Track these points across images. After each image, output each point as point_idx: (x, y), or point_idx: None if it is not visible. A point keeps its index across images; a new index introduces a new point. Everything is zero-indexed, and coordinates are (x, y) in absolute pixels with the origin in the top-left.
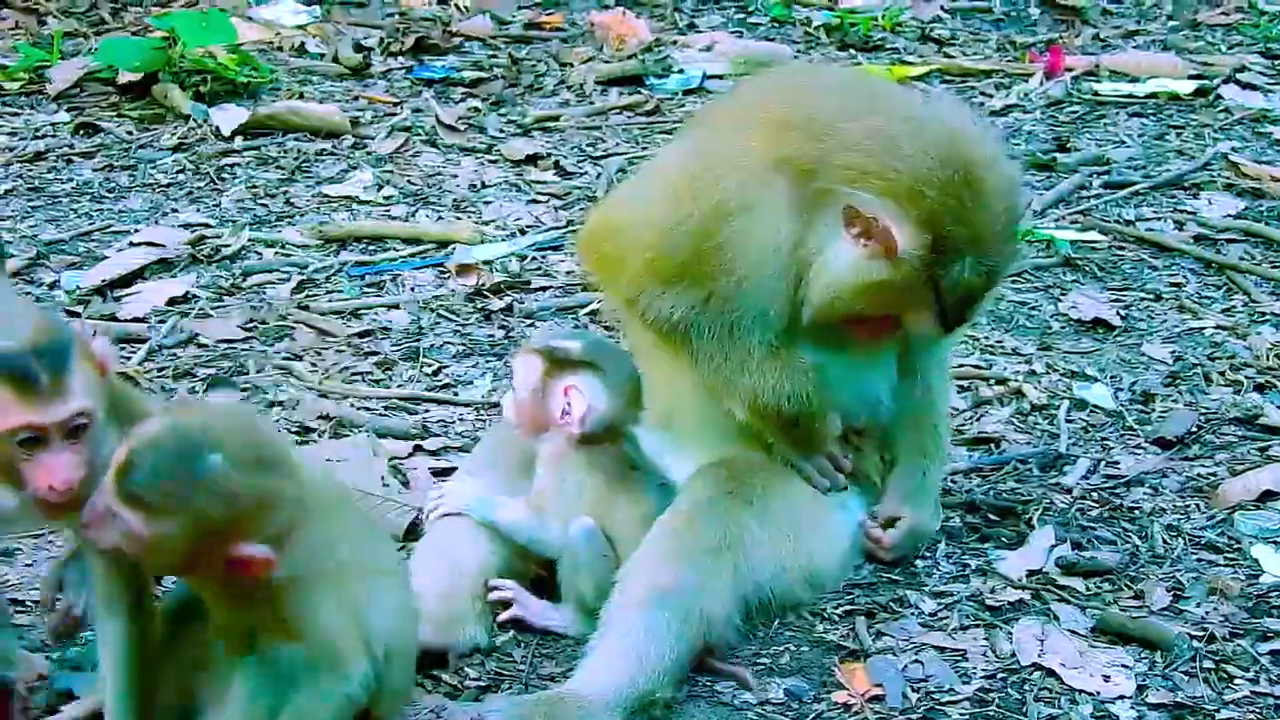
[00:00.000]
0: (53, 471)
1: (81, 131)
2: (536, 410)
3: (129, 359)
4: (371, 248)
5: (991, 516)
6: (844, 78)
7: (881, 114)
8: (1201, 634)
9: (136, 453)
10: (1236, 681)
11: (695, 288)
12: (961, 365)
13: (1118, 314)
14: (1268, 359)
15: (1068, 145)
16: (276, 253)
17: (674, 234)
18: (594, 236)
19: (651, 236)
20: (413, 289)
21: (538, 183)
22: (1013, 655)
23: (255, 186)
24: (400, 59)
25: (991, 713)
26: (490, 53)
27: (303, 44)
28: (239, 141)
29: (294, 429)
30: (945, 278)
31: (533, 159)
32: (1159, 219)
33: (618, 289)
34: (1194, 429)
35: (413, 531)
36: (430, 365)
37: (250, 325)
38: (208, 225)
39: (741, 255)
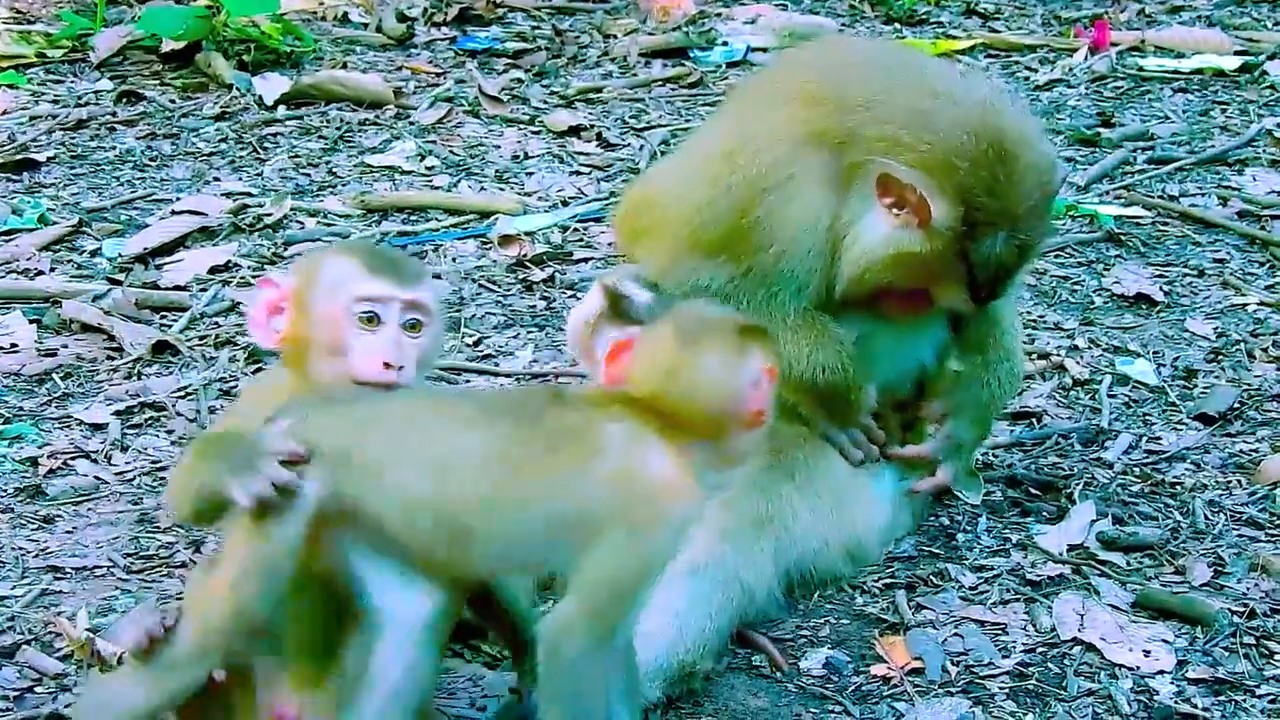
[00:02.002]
0: (385, 350)
1: (124, 100)
2: (586, 342)
3: (170, 327)
4: (414, 218)
5: (1033, 491)
6: (880, 51)
7: (915, 87)
8: (1243, 610)
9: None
10: (1277, 657)
11: (732, 261)
12: None
13: (1161, 290)
14: None
15: (1112, 120)
16: (318, 222)
17: (712, 208)
18: (632, 211)
19: (689, 211)
20: (454, 259)
21: (580, 154)
22: (1053, 630)
23: (297, 156)
24: (444, 29)
25: (1031, 686)
26: (534, 24)
27: (346, 13)
28: (281, 111)
29: None
30: (977, 251)
31: (575, 130)
32: (1203, 195)
33: (654, 263)
34: (1236, 405)
35: None
36: (471, 336)
37: None
38: (250, 194)
39: (778, 229)
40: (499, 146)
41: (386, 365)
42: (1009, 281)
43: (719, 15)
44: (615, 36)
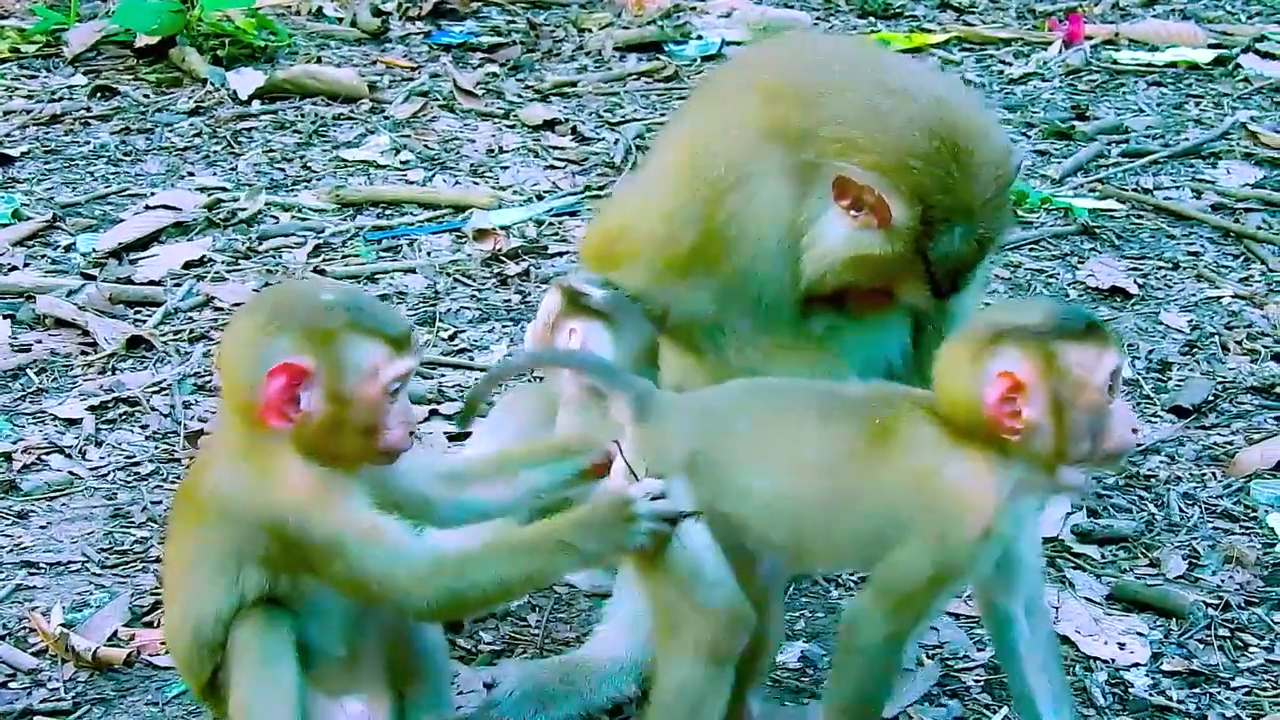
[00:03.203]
0: (409, 419)
1: (98, 94)
2: (547, 340)
3: (145, 322)
4: (388, 212)
5: None
6: (839, 48)
7: (871, 85)
8: (1217, 602)
9: None
10: (1251, 650)
11: (707, 276)
12: None
13: (1135, 282)
14: None
15: (1086, 114)
16: (293, 217)
17: (679, 216)
18: (601, 241)
19: (657, 224)
20: (429, 254)
21: (555, 148)
22: None
23: (272, 150)
24: (418, 23)
25: (1006, 679)
26: (509, 18)
27: (320, 8)
28: (256, 105)
29: None
30: (935, 248)
31: (550, 124)
32: (1177, 188)
33: (637, 287)
34: (1211, 398)
35: None
36: (446, 330)
37: (266, 288)
38: (224, 189)
39: (744, 228)
40: (474, 141)
41: (410, 432)
42: (969, 275)
43: (693, 9)
44: (590, 30)
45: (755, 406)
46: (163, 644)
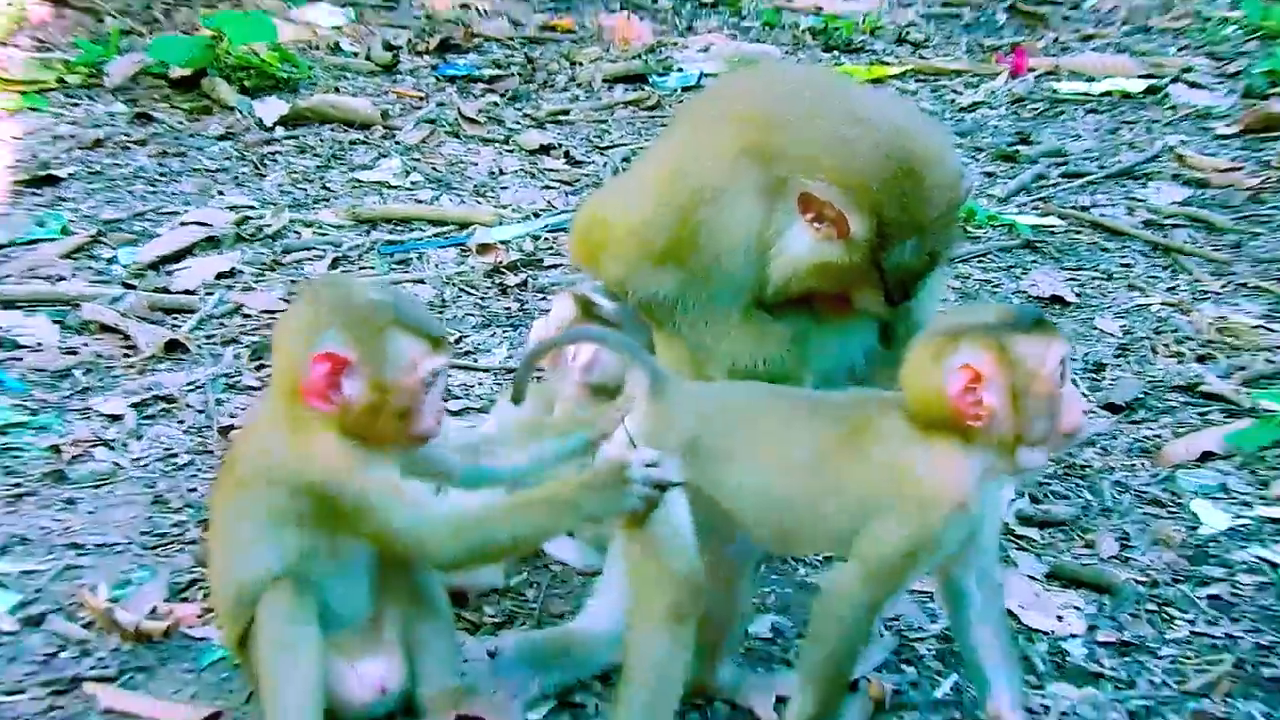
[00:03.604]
0: (440, 408)
1: (137, 121)
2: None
3: (180, 327)
4: (400, 228)
5: None
6: (807, 76)
7: (836, 111)
8: (1146, 580)
9: None
10: (1177, 623)
11: (677, 268)
12: None
13: (1073, 292)
14: (1208, 333)
15: (1029, 138)
16: (314, 232)
17: (657, 219)
18: (585, 230)
19: (638, 224)
20: (437, 265)
21: (550, 170)
22: None
23: (294, 172)
24: (426, 57)
25: (955, 648)
26: (508, 52)
27: (338, 43)
28: (279, 131)
29: None
30: (889, 259)
31: (545, 149)
32: (1111, 205)
33: (609, 274)
34: (1141, 395)
35: None
36: (453, 334)
37: (290, 297)
38: (251, 207)
39: (715, 236)
40: (476, 163)
41: (439, 421)
42: (920, 285)
43: (675, 44)
44: (581, 64)
45: (752, 405)
46: (198, 616)
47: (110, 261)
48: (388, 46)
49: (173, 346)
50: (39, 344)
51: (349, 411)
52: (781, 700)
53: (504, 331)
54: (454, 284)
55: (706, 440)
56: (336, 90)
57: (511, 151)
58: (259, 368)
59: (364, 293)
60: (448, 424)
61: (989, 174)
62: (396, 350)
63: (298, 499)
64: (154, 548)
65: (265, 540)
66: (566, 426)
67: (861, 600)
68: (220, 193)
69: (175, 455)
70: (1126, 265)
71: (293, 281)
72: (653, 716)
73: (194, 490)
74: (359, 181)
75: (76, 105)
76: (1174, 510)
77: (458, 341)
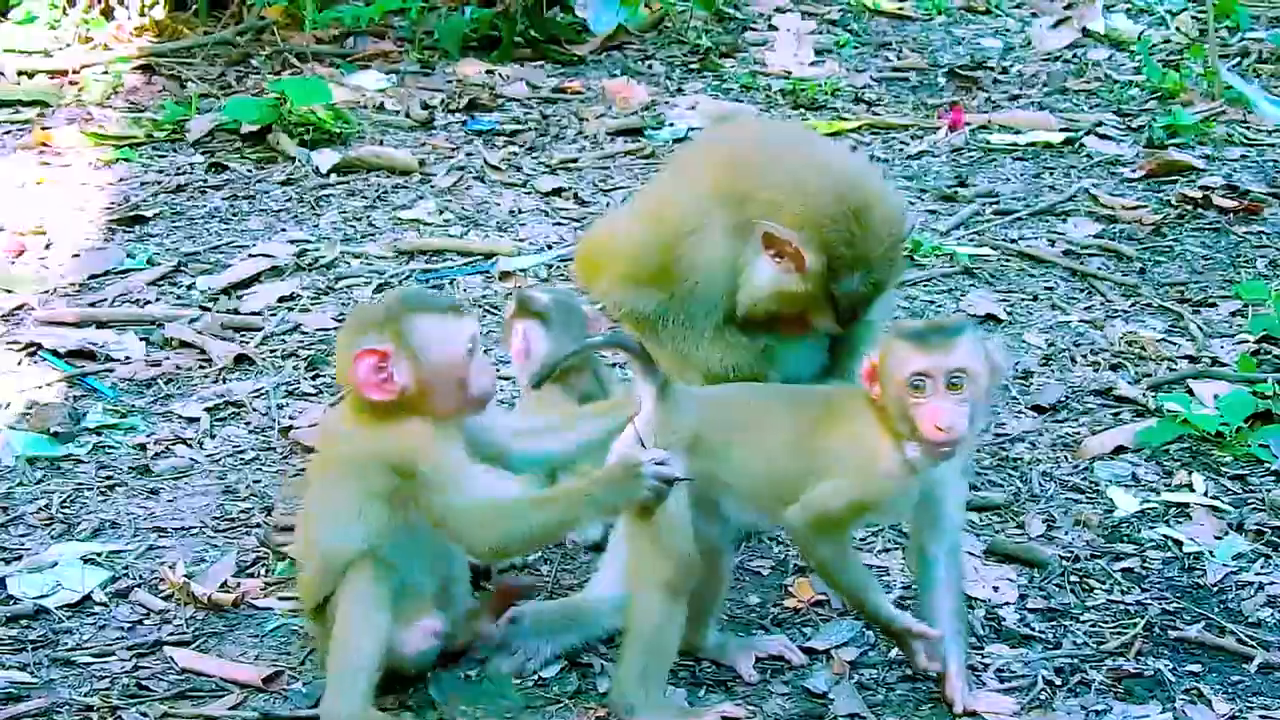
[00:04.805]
0: (491, 370)
1: (212, 170)
2: (505, 337)
3: (248, 343)
4: (434, 259)
5: None
6: (775, 130)
7: (795, 160)
8: (1069, 555)
9: None
10: (1095, 592)
11: (661, 290)
12: None
13: (1004, 311)
14: (1119, 345)
15: (966, 182)
16: (361, 262)
17: (646, 248)
18: (586, 253)
19: (630, 250)
20: (465, 290)
21: (562, 209)
22: None
23: (345, 212)
24: (457, 115)
25: (914, 611)
26: (526, 110)
27: (382, 103)
28: (333, 177)
29: None
30: (839, 288)
31: (558, 191)
32: (1036, 238)
33: (602, 290)
34: (1063, 399)
35: None
36: None
37: (341, 318)
38: (309, 241)
39: (694, 266)
40: (499, 204)
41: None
42: (867, 310)
43: (666, 103)
44: (588, 120)
45: (743, 401)
46: (262, 590)
47: (189, 288)
48: (424, 106)
49: (241, 360)
50: (128, 357)
51: (410, 394)
52: (760, 660)
53: None
54: (480, 306)
55: (706, 434)
56: (381, 143)
57: (529, 194)
58: (315, 377)
59: (385, 298)
60: (498, 413)
61: (932, 211)
62: (424, 330)
63: (383, 478)
64: (224, 531)
65: (353, 518)
66: (607, 409)
67: (820, 542)
68: (283, 229)
69: (243, 452)
70: (1049, 288)
71: (343, 304)
72: (651, 674)
73: (259, 482)
74: (399, 219)
75: (162, 156)
76: (1092, 496)
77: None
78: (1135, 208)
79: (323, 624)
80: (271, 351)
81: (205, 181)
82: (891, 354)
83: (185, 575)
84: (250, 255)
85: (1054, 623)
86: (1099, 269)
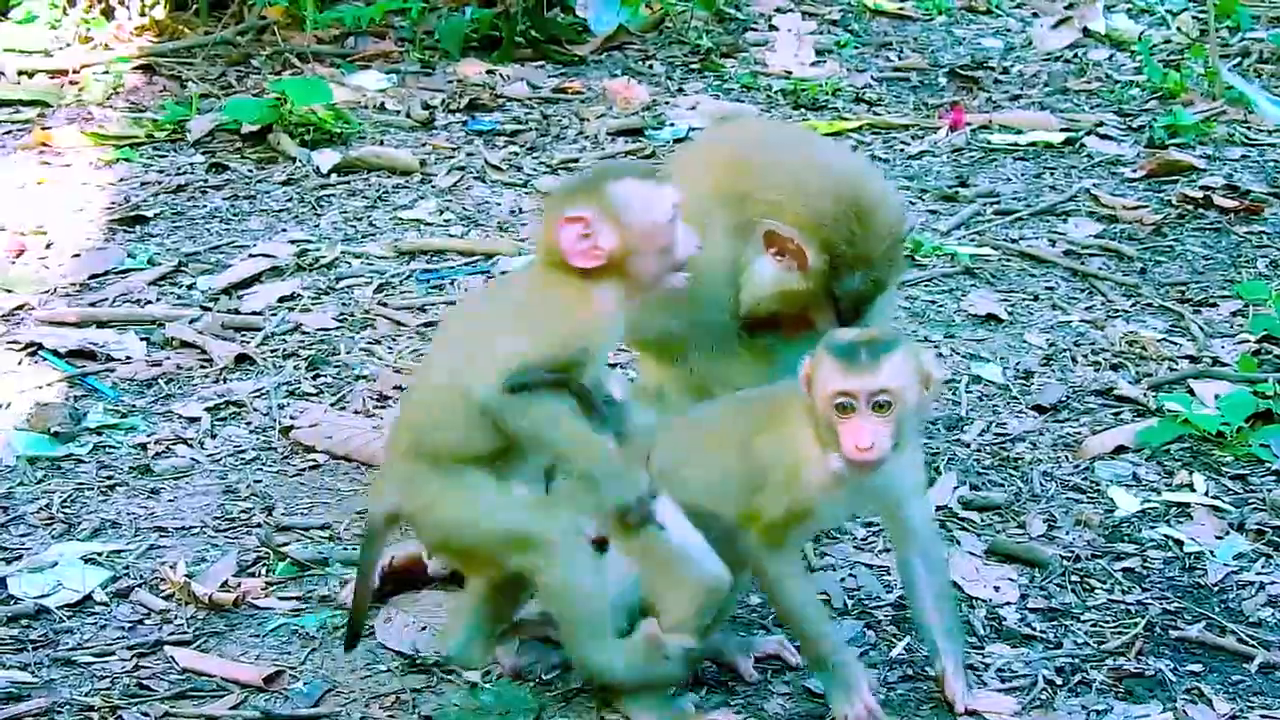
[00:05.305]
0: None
1: (213, 170)
2: None
3: (249, 343)
4: (435, 258)
5: None
6: (776, 130)
7: (796, 160)
8: (1069, 555)
9: None
10: (1096, 591)
11: (671, 300)
12: None
13: (1005, 310)
14: (1119, 345)
15: (967, 182)
16: (362, 262)
17: None
18: None
19: None
20: (466, 289)
21: None
22: None
23: (346, 212)
24: (457, 115)
25: (908, 614)
26: (526, 110)
27: (383, 103)
28: (333, 178)
29: (374, 397)
30: (841, 287)
31: None
32: (1037, 238)
33: None
34: (1064, 398)
35: None
36: None
37: (341, 317)
38: (309, 241)
39: (699, 267)
40: (499, 204)
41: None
42: (868, 309)
43: (667, 104)
44: (589, 120)
45: (691, 418)
46: (262, 589)
47: (190, 288)
48: (425, 106)
49: (242, 359)
50: (129, 357)
51: (615, 259)
52: (760, 659)
53: None
54: None
55: (663, 462)
56: (381, 143)
57: (529, 194)
58: (315, 377)
59: (592, 169)
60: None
61: (933, 211)
62: (625, 194)
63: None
64: (224, 530)
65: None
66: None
67: (769, 558)
68: (283, 229)
69: (244, 452)
70: (1050, 288)
71: (344, 304)
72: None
73: (260, 482)
74: (400, 219)
75: (163, 157)
76: (1093, 496)
77: None
78: (1136, 208)
79: (517, 593)
80: (272, 351)
81: (206, 181)
82: (819, 368)
83: (186, 575)
84: (251, 255)
85: (1055, 622)
86: (1100, 269)
